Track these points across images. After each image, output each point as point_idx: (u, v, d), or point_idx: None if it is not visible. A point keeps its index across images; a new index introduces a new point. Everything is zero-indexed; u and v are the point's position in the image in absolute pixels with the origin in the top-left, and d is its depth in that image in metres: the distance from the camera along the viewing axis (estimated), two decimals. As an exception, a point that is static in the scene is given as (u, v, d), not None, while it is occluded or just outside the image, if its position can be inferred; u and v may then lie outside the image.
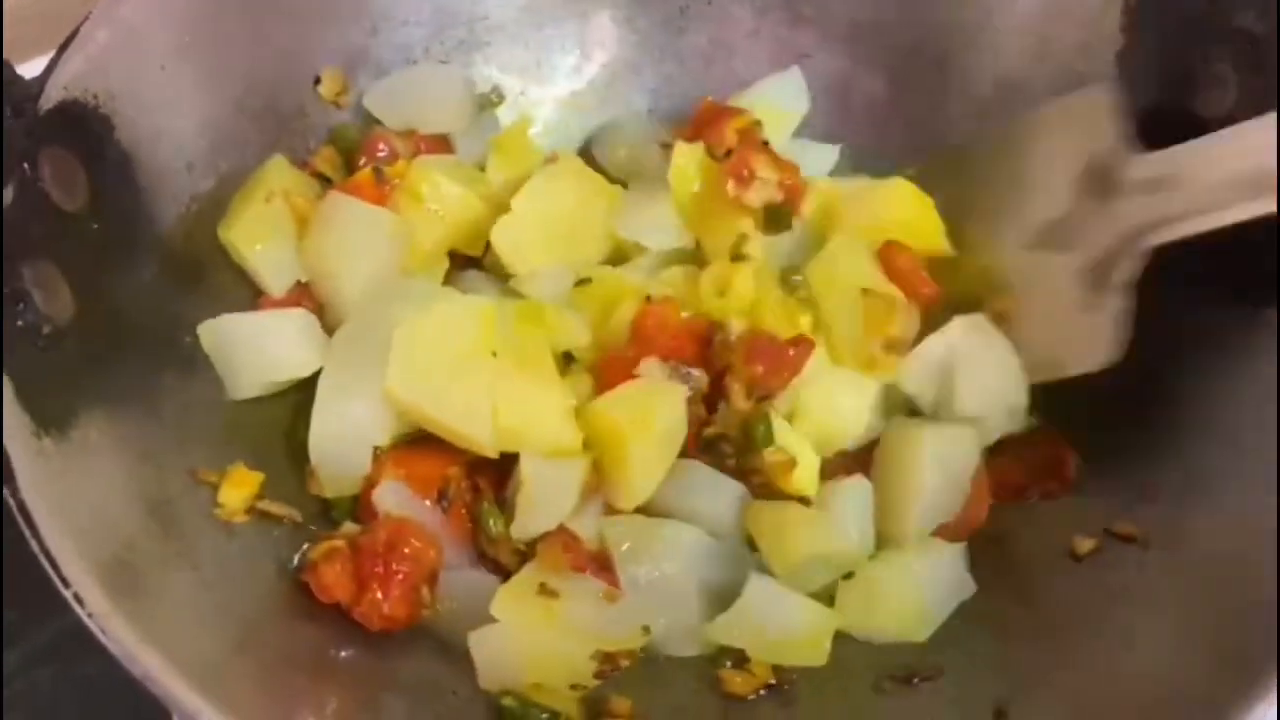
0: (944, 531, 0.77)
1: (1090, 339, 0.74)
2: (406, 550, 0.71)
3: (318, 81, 0.87)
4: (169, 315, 0.76)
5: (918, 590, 0.74)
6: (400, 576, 0.70)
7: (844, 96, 0.94)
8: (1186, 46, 0.78)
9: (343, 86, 0.88)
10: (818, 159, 0.92)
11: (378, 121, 0.90)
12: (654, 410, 0.74)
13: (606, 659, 0.71)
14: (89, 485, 0.62)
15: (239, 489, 0.72)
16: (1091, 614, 0.70)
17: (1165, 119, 0.79)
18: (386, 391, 0.72)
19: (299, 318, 0.79)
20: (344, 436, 0.74)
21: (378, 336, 0.73)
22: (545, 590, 0.70)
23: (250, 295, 0.82)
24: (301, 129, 0.87)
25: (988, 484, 0.79)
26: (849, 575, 0.75)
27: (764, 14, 0.94)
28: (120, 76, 0.73)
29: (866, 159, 0.93)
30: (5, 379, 0.59)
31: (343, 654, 0.67)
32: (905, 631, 0.74)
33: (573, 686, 0.70)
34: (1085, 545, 0.74)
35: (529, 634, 0.70)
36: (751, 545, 0.75)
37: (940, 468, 0.76)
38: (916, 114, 0.92)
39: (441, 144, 0.90)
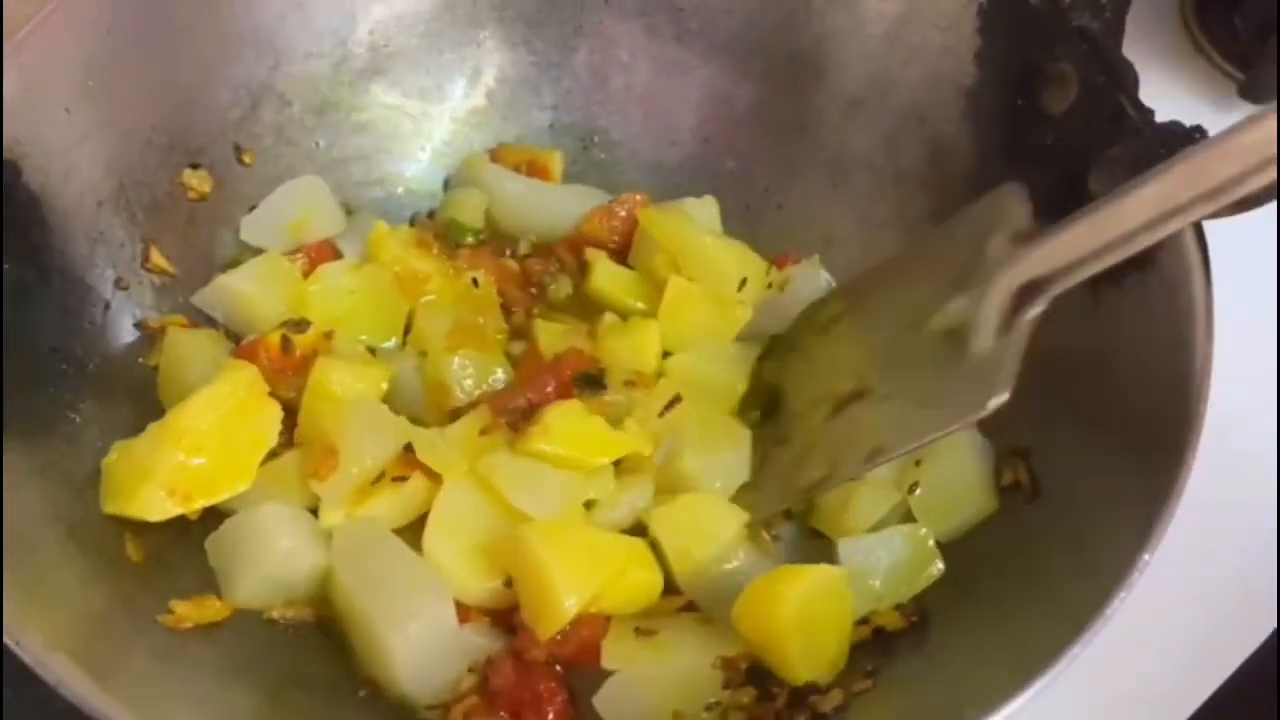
0: None
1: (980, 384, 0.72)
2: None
3: (195, 166, 0.89)
4: (86, 346, 0.80)
5: (979, 463, 0.80)
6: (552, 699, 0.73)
7: (728, 104, 0.99)
8: (1032, 46, 0.84)
9: (211, 186, 0.90)
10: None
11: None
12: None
13: (728, 664, 0.74)
14: (10, 510, 0.66)
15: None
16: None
17: (1018, 117, 0.86)
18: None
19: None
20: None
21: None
22: (641, 631, 0.74)
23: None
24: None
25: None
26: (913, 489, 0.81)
27: (652, 32, 0.99)
28: (25, 122, 0.76)
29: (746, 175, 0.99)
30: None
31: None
32: (985, 507, 0.80)
33: (708, 708, 0.73)
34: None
35: (646, 671, 0.73)
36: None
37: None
38: (794, 116, 0.97)
39: (328, 249, 0.93)
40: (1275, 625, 0.88)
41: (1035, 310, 0.70)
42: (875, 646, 0.76)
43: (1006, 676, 0.62)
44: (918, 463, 0.82)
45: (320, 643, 0.76)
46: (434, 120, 1.01)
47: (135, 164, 0.85)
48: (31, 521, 0.67)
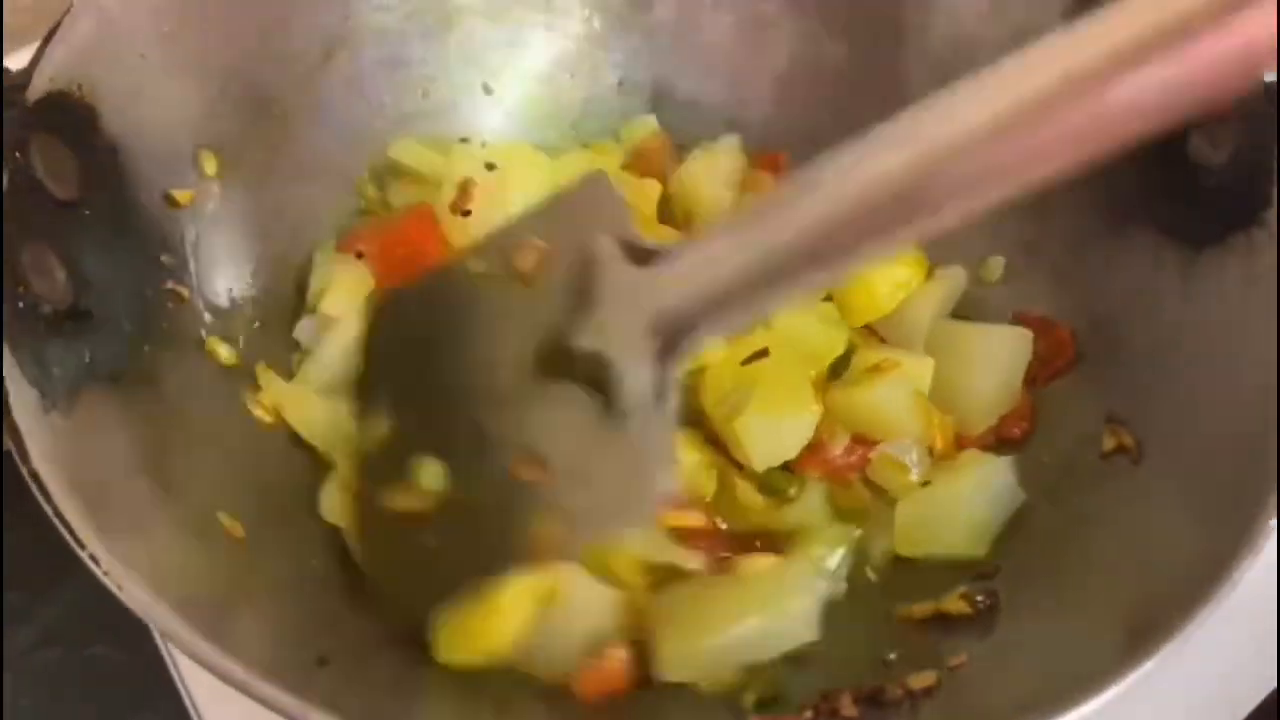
0: (981, 440, 0.81)
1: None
2: None
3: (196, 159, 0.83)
4: (164, 297, 0.79)
5: (977, 508, 0.77)
6: None
7: (813, 62, 0.97)
8: None
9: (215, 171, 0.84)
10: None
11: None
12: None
13: None
14: (96, 456, 0.64)
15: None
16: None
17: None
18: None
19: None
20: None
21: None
22: None
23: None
24: (280, 113, 0.89)
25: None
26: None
27: (728, -15, 0.97)
28: (102, 66, 0.75)
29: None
30: (12, 358, 0.62)
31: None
32: (968, 548, 0.76)
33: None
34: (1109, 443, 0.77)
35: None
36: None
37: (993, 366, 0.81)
38: (878, 78, 0.95)
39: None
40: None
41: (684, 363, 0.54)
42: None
43: (1115, 649, 0.60)
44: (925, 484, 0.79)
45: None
46: (505, 76, 0.99)
47: (208, 113, 0.84)
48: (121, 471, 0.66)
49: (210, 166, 0.84)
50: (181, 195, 0.82)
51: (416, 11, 0.94)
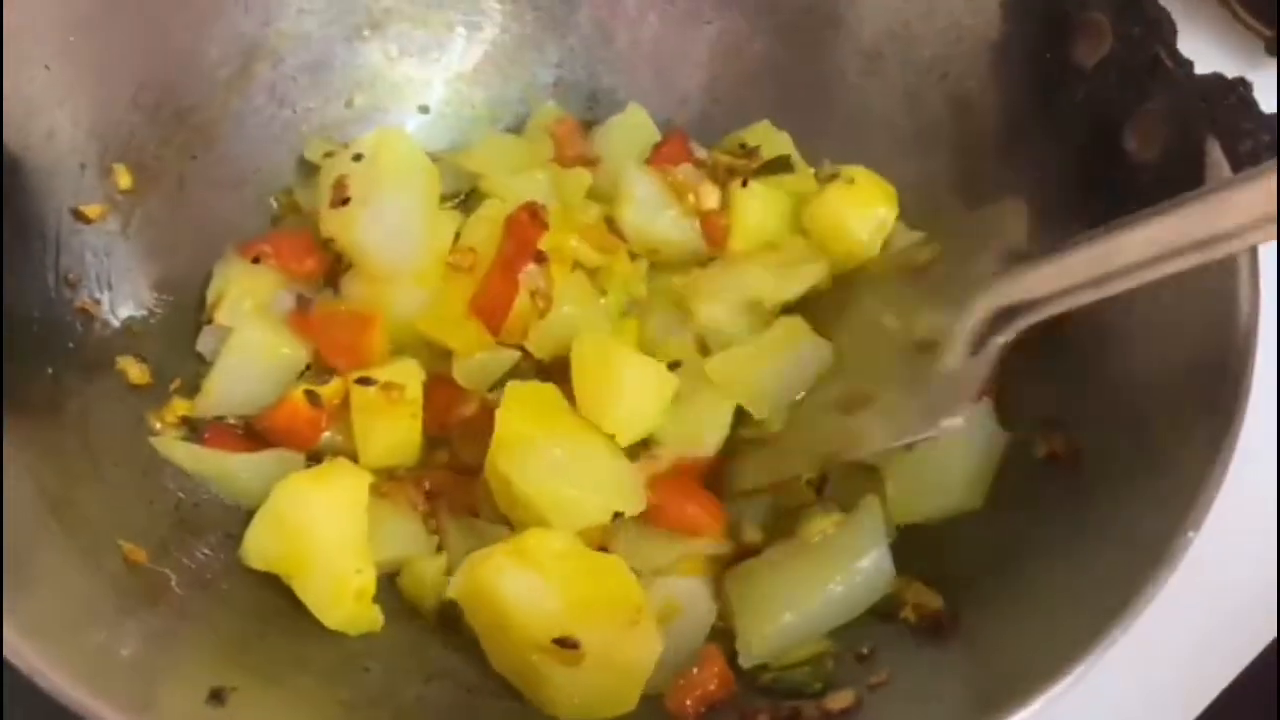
0: None
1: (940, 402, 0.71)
2: None
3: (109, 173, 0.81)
4: (69, 317, 0.77)
5: (968, 459, 0.76)
6: None
7: (740, 60, 0.95)
8: (1063, -5, 0.80)
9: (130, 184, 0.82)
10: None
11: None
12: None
13: None
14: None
15: None
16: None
17: (1046, 71, 0.81)
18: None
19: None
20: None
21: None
22: None
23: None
24: (201, 123, 0.87)
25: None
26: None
27: (662, -17, 0.95)
28: (3, 80, 0.73)
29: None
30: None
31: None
32: (966, 501, 0.76)
33: None
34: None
35: None
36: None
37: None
38: (810, 72, 0.93)
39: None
40: (1276, 634, 0.85)
41: (1006, 337, 0.69)
42: (895, 635, 0.72)
43: (1042, 662, 0.59)
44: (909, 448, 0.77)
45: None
46: (432, 79, 0.96)
47: (120, 125, 0.81)
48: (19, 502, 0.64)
49: (124, 180, 0.82)
50: (91, 210, 0.79)
51: (340, 16, 0.92)
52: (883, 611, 0.72)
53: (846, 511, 0.76)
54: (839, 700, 0.65)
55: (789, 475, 0.79)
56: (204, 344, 0.83)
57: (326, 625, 0.71)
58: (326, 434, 0.81)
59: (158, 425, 0.78)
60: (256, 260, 0.84)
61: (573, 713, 0.67)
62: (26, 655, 0.53)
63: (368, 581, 0.72)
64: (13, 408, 0.67)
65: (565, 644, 0.66)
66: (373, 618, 0.73)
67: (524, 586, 0.68)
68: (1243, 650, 0.85)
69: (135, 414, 0.77)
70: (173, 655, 0.62)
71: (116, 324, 0.80)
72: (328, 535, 0.71)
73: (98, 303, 0.79)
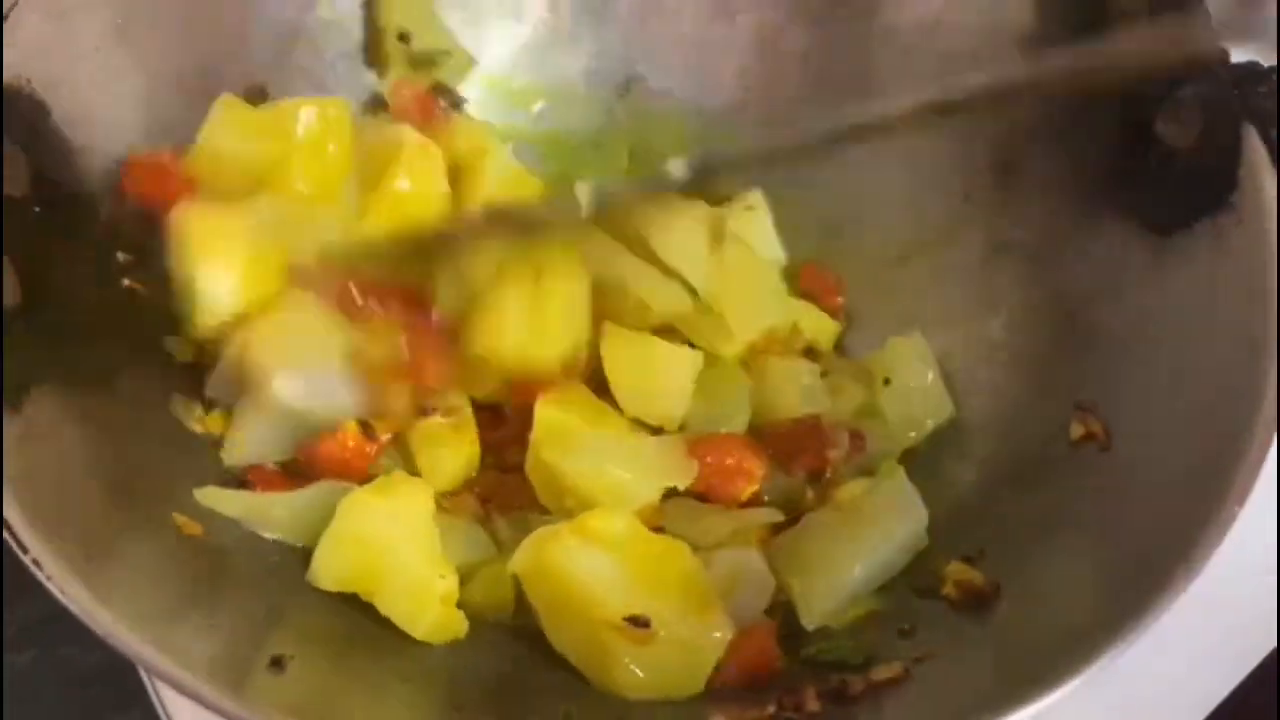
0: None
1: None
2: None
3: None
4: (117, 295, 0.78)
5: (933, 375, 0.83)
6: None
7: (774, 51, 0.96)
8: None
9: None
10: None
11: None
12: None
13: None
14: (46, 459, 0.63)
15: None
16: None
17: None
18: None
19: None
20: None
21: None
22: None
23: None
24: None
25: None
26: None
27: (695, -28, 0.96)
28: (53, 61, 0.74)
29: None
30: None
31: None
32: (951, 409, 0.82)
33: None
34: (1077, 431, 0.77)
35: None
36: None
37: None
38: (844, 64, 0.94)
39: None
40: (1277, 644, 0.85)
41: None
42: (937, 612, 0.73)
43: (1074, 643, 0.60)
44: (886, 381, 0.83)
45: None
46: (470, 68, 0.97)
47: (166, 108, 0.82)
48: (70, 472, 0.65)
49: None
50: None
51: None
52: (924, 588, 0.73)
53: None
54: (885, 672, 0.66)
55: None
56: (215, 388, 0.77)
57: (415, 636, 0.70)
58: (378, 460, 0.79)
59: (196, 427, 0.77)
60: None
61: (640, 693, 0.67)
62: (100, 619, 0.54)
63: (451, 587, 0.71)
64: (66, 384, 0.68)
65: (637, 622, 0.66)
66: (459, 623, 0.72)
67: (594, 564, 0.68)
68: (1245, 656, 0.85)
69: (189, 389, 0.78)
70: (232, 622, 0.63)
71: (163, 303, 0.80)
72: (404, 546, 0.70)
73: (144, 283, 0.80)
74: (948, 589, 0.73)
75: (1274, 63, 0.73)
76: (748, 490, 0.79)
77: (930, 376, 0.84)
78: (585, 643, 0.69)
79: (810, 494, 0.81)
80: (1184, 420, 0.70)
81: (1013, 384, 0.84)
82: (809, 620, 0.73)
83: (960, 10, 0.89)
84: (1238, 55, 0.75)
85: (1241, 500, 0.61)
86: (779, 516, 0.78)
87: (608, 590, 0.67)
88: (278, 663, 0.61)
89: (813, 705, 0.65)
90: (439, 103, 0.94)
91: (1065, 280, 0.82)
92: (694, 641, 0.68)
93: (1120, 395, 0.75)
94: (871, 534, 0.75)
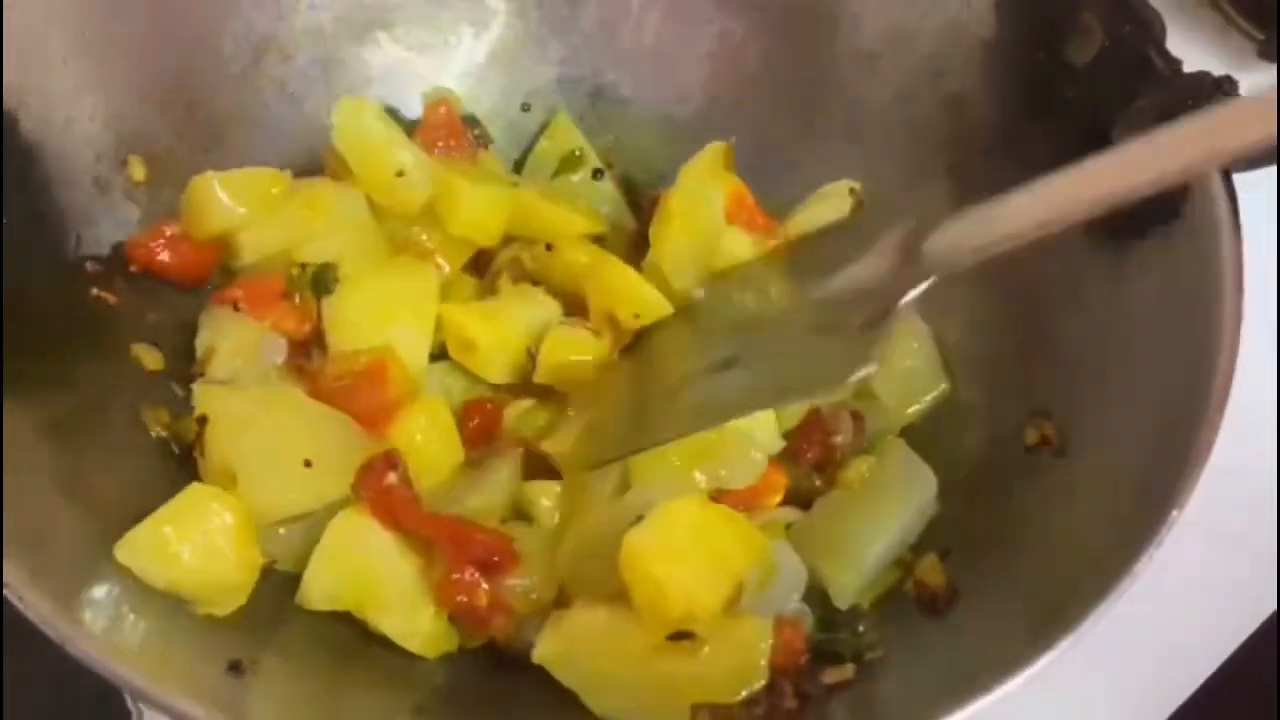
0: None
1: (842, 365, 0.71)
2: None
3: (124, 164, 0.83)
4: (85, 304, 0.79)
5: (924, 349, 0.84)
6: None
7: (740, 58, 0.96)
8: (1055, -4, 0.82)
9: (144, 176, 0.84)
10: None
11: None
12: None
13: None
14: (9, 467, 0.64)
15: None
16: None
17: (1039, 70, 0.84)
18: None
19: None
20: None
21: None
22: None
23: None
24: (212, 117, 0.89)
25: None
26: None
27: (662, -18, 0.97)
28: (21, 73, 0.75)
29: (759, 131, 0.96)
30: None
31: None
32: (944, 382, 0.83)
33: None
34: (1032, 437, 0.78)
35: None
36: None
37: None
38: (808, 70, 0.95)
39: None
40: (1276, 607, 0.87)
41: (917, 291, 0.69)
42: (892, 612, 0.75)
43: (1028, 637, 0.61)
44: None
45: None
46: (439, 76, 0.98)
47: (134, 117, 0.83)
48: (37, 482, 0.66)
49: (138, 172, 0.84)
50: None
51: (350, 12, 0.94)
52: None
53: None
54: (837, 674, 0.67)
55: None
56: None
57: (410, 650, 0.71)
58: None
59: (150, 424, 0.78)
60: (236, 307, 0.81)
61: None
62: (58, 626, 0.55)
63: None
64: (28, 391, 0.69)
65: (680, 637, 0.66)
66: (452, 635, 0.73)
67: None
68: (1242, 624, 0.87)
69: (149, 399, 0.79)
70: (188, 628, 0.64)
71: (131, 311, 0.81)
72: (393, 563, 0.71)
73: (113, 290, 0.81)
74: (908, 586, 0.74)
75: (1224, 73, 0.74)
76: (774, 503, 0.80)
77: (921, 351, 0.86)
78: (636, 690, 0.68)
79: (818, 481, 0.82)
80: (1138, 427, 0.71)
81: (965, 390, 0.85)
82: (843, 600, 0.74)
83: (922, 18, 0.90)
84: (1190, 66, 0.77)
85: (1182, 505, 0.62)
86: (797, 514, 0.79)
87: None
88: (235, 667, 0.62)
89: (790, 703, 0.66)
90: (469, 132, 0.95)
91: (1021, 288, 0.83)
92: (743, 639, 0.68)
93: (1076, 402, 0.77)
94: (888, 506, 0.77)
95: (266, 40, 0.91)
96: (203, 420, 0.74)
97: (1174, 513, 0.61)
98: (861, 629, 0.74)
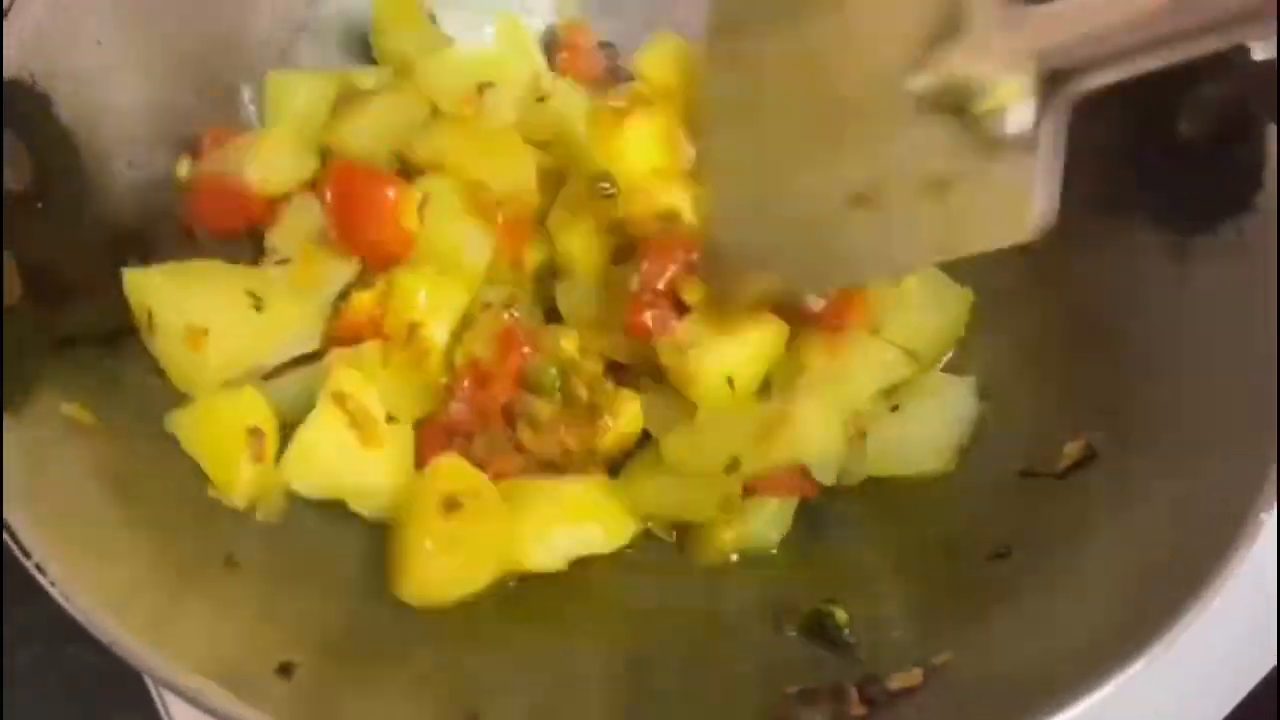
0: None
1: (1005, 206, 0.60)
2: None
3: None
4: (121, 288, 0.77)
5: (948, 427, 0.79)
6: None
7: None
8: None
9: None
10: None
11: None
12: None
13: None
14: (48, 457, 0.62)
15: None
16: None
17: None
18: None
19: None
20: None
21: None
22: None
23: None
24: (247, 100, 0.87)
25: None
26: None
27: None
28: (55, 54, 0.73)
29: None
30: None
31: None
32: (936, 467, 0.79)
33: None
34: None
35: None
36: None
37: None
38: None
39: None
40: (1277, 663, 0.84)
41: (1071, 91, 0.56)
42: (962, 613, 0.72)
43: (1104, 644, 0.59)
44: (895, 408, 0.81)
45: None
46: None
47: (171, 100, 0.82)
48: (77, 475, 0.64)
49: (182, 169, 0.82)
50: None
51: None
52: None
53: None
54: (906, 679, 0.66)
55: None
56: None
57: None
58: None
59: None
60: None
61: None
62: (100, 622, 0.53)
63: None
64: (67, 385, 0.67)
65: None
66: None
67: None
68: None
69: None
70: (239, 626, 0.62)
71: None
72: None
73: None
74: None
75: (1296, 60, 0.72)
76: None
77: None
78: None
79: None
80: (1207, 430, 0.68)
81: (1032, 393, 0.82)
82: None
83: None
84: (1258, 53, 0.74)
85: (1269, 506, 0.60)
86: None
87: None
88: (285, 669, 0.60)
89: (858, 710, 0.64)
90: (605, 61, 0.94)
91: (1083, 285, 0.80)
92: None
93: (1141, 406, 0.73)
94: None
95: (301, 22, 0.90)
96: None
97: (1263, 515, 0.59)
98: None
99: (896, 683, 0.65)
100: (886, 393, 0.81)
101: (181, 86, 0.82)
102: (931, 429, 0.80)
